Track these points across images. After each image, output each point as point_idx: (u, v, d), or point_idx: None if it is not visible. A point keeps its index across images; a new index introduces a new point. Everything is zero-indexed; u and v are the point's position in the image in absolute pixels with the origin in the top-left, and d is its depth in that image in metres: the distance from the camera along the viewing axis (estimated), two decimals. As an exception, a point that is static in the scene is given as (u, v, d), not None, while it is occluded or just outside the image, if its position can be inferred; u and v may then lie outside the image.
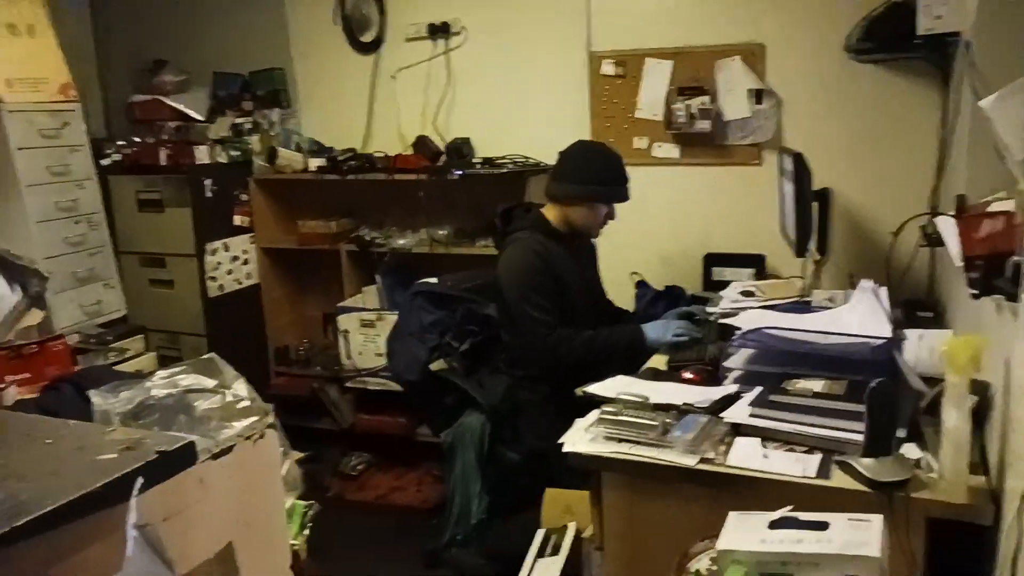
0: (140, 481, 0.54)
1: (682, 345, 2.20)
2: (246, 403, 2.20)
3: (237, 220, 3.55)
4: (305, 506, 2.04)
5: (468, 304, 2.67)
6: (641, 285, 2.97)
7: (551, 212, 2.43)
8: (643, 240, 3.13)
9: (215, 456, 0.61)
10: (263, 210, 3.61)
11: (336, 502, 3.15)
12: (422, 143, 3.33)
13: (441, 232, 3.27)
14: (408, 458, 3.41)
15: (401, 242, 3.31)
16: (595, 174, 2.38)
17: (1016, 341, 1.30)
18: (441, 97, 3.40)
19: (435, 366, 2.54)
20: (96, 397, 1.90)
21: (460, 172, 3.15)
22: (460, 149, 3.27)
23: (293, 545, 1.95)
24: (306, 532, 1.99)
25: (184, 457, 0.58)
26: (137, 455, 0.56)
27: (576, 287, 2.42)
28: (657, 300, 2.81)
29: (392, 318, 3.06)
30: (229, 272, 3.52)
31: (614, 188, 2.41)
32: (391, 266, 3.38)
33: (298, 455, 2.23)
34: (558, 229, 2.43)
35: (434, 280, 2.80)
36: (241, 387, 2.20)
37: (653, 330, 2.25)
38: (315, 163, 3.44)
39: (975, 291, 1.45)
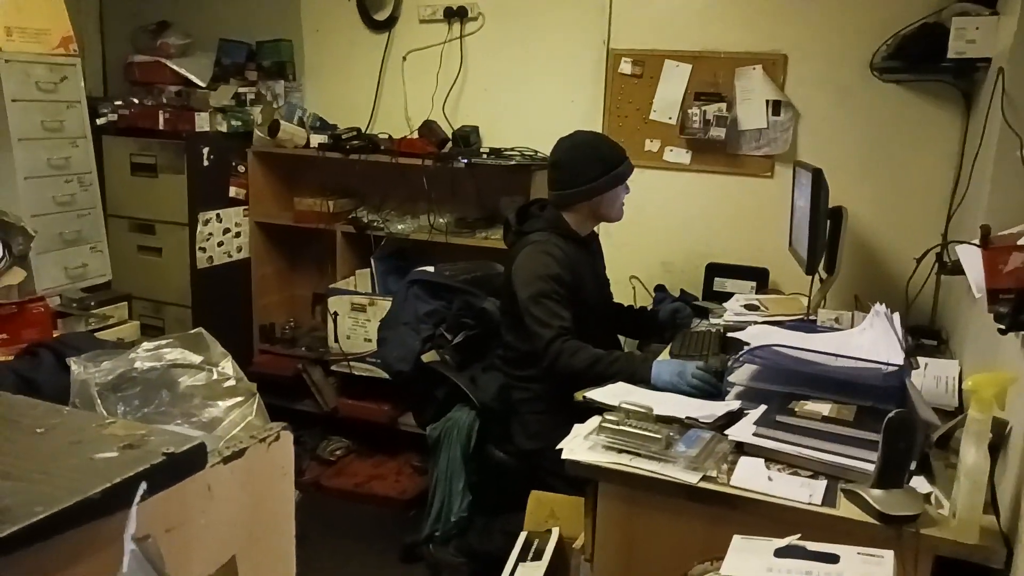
0: (143, 487, 0.47)
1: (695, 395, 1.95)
2: (232, 383, 2.13)
3: (232, 192, 3.47)
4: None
5: (465, 296, 2.61)
6: (659, 290, 2.93)
7: (570, 217, 2.37)
8: (646, 244, 3.08)
9: (226, 460, 0.54)
10: (260, 183, 3.53)
11: (312, 486, 3.10)
12: (429, 128, 3.25)
13: (442, 220, 3.20)
14: (389, 447, 3.35)
15: (400, 227, 3.24)
16: (604, 162, 2.32)
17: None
18: (452, 83, 3.33)
19: (427, 357, 2.48)
20: (76, 366, 1.82)
21: (466, 160, 3.08)
22: (468, 137, 3.20)
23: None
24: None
25: (193, 460, 0.52)
26: (140, 455, 0.49)
27: (591, 289, 2.37)
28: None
29: (384, 304, 3.00)
30: (220, 244, 3.43)
31: (625, 165, 2.36)
32: (387, 251, 3.31)
33: (281, 439, 2.17)
34: (577, 232, 2.37)
35: (431, 269, 2.74)
36: (228, 365, 2.13)
37: (666, 372, 2.00)
38: (317, 139, 3.36)
39: (1001, 326, 1.40)
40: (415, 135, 3.29)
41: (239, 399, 2.09)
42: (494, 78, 3.29)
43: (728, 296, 2.70)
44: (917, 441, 1.46)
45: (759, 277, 2.90)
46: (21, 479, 0.46)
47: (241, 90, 3.54)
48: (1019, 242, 1.48)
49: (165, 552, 0.49)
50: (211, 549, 0.54)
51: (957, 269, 1.84)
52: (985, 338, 1.74)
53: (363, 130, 3.42)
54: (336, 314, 3.23)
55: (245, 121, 3.48)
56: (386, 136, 3.33)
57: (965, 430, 1.33)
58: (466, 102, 3.34)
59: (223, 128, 3.42)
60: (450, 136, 3.25)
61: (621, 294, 2.82)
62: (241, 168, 3.48)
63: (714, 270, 2.97)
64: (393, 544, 2.70)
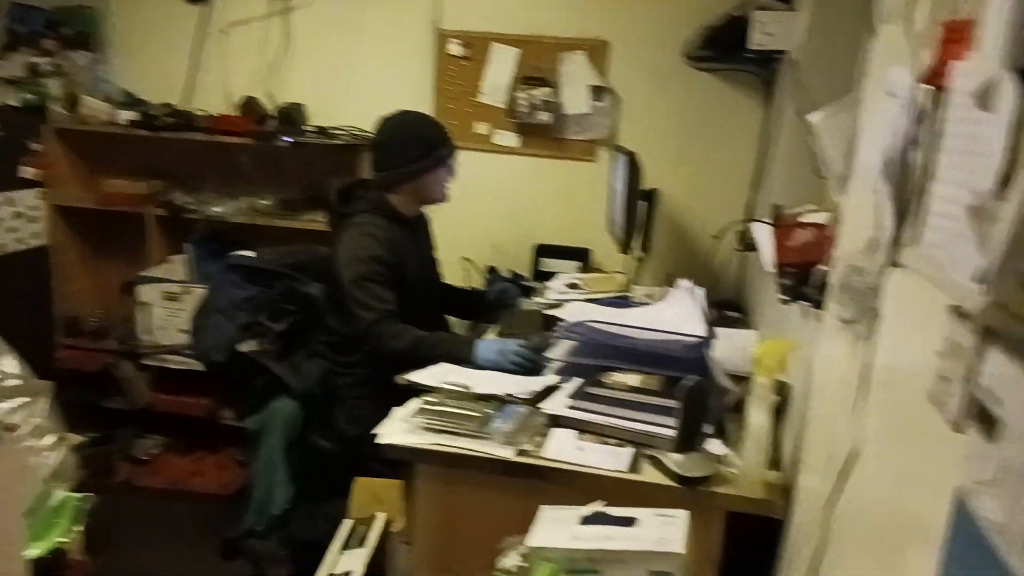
0: None
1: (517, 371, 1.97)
2: (17, 381, 1.93)
3: (27, 172, 3.14)
4: (79, 499, 1.81)
5: (288, 281, 2.50)
6: (491, 271, 2.93)
7: (393, 198, 2.32)
8: (476, 225, 3.09)
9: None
10: (60, 163, 3.21)
11: (125, 488, 2.89)
12: (250, 105, 3.09)
13: (264, 202, 3.06)
14: (210, 441, 3.17)
15: (218, 209, 3.06)
16: (426, 143, 2.30)
17: (818, 346, 1.36)
18: (275, 58, 3.18)
19: (245, 347, 2.36)
20: None
21: (290, 139, 2.95)
22: (291, 115, 3.06)
23: (62, 543, 1.73)
24: (78, 528, 1.77)
25: None
26: None
27: (416, 270, 2.33)
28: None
29: (199, 292, 2.82)
30: (13, 230, 3.10)
31: (447, 146, 2.34)
32: (204, 235, 3.12)
33: (77, 439, 1.98)
34: (402, 213, 2.33)
35: (252, 254, 2.60)
36: (9, 363, 1.93)
37: (488, 351, 2.02)
38: (126, 116, 3.11)
39: (785, 297, 1.51)
40: (236, 112, 3.12)
41: (26, 399, 1.90)
42: (321, 55, 3.17)
43: (554, 276, 2.76)
44: (711, 407, 1.54)
45: (582, 257, 2.99)
46: None
47: (36, 60, 3.20)
48: (802, 220, 1.59)
49: None
50: None
51: (754, 246, 1.97)
52: (775, 309, 1.86)
53: (177, 106, 3.20)
54: (147, 304, 3.01)
55: (41, 95, 3.15)
56: (203, 113, 3.13)
57: (751, 394, 1.41)
58: (291, 79, 3.20)
59: (14, 102, 3.09)
60: (273, 113, 3.10)
61: (454, 275, 2.82)
62: (36, 146, 3.16)
63: (541, 251, 3.04)
64: (214, 540, 2.56)
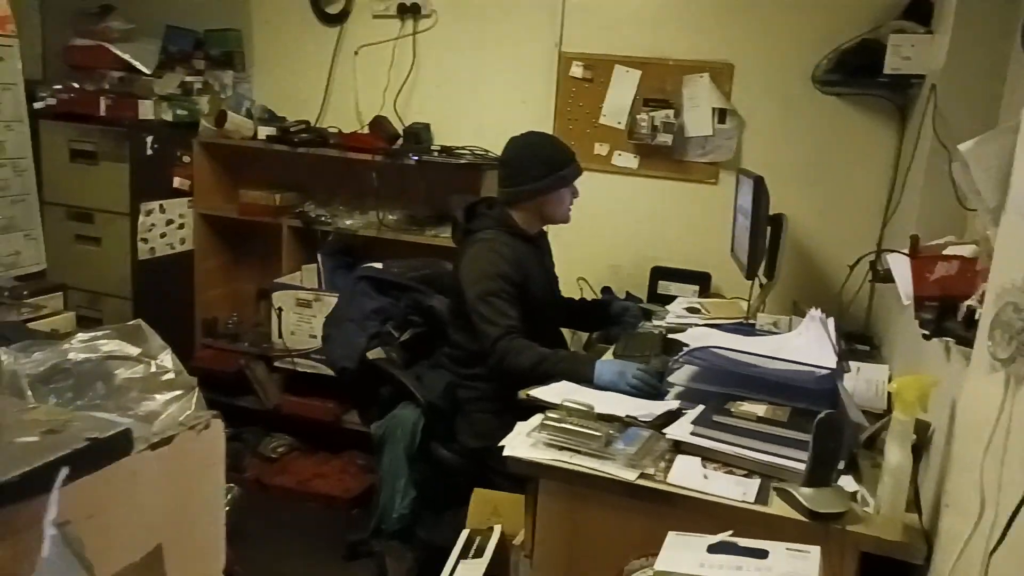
0: (64, 472, 0.47)
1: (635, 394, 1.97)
2: (171, 376, 2.09)
3: (177, 182, 3.40)
4: (226, 488, 1.94)
5: (413, 294, 2.60)
6: (606, 291, 2.96)
7: (517, 215, 2.38)
8: (593, 246, 3.11)
9: (153, 447, 0.54)
10: (205, 175, 3.46)
11: (253, 485, 3.05)
12: (379, 124, 3.23)
13: (391, 217, 3.19)
14: (333, 444, 3.31)
15: (348, 222, 3.21)
16: (550, 162, 2.35)
17: (964, 384, 1.31)
18: (404, 79, 3.31)
19: (372, 355, 2.47)
20: (4, 356, 1.77)
21: (417, 158, 3.07)
22: (419, 134, 3.19)
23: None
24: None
25: (118, 446, 0.51)
26: (61, 440, 0.48)
27: (538, 287, 2.38)
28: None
29: (329, 300, 2.97)
30: (163, 235, 3.36)
31: (571, 167, 2.39)
32: (334, 247, 3.28)
33: (220, 434, 2.13)
34: (524, 230, 2.39)
35: (379, 265, 2.72)
36: (167, 358, 2.09)
37: (608, 372, 2.02)
38: (265, 132, 3.32)
39: (926, 332, 1.46)
40: (365, 130, 3.27)
41: (178, 393, 2.05)
42: (446, 76, 3.29)
43: (672, 299, 2.75)
44: (845, 441, 1.51)
45: (702, 281, 2.96)
46: (-63, 461, 0.45)
47: (188, 79, 3.47)
48: (944, 252, 1.54)
49: (86, 538, 0.48)
50: (135, 537, 0.53)
51: (888, 277, 1.91)
52: (912, 343, 1.80)
53: (312, 124, 3.38)
54: (281, 309, 3.19)
55: (191, 110, 3.41)
56: (336, 130, 3.30)
57: (889, 431, 1.38)
58: (418, 99, 3.33)
59: (168, 117, 3.34)
60: (401, 133, 3.24)
61: (569, 294, 2.84)
62: (186, 158, 3.41)
63: (659, 273, 3.03)
64: (335, 542, 2.68)
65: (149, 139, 3.25)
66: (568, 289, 2.88)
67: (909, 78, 2.39)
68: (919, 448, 1.57)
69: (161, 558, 0.56)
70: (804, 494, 1.45)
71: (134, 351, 2.06)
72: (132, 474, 0.52)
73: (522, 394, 1.95)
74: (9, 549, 0.44)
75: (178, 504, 0.58)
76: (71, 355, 1.91)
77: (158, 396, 2.05)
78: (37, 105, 3.16)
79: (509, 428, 1.74)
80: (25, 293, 2.40)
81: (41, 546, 0.45)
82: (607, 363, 2.09)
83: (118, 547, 0.52)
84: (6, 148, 2.60)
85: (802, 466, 1.49)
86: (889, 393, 1.98)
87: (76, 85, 3.31)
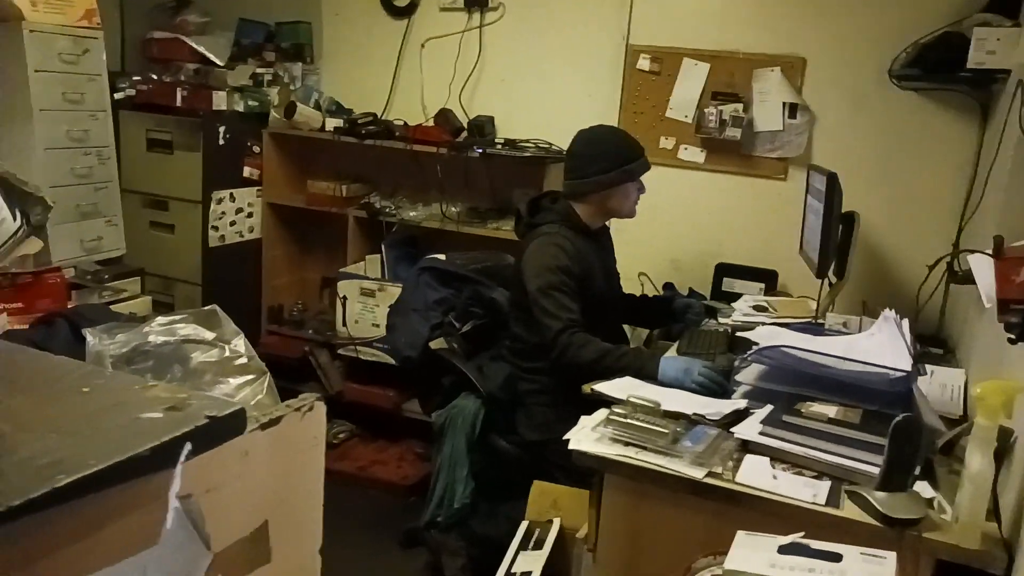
0: (188, 447, 0.49)
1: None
2: (244, 360, 2.15)
3: (247, 172, 3.49)
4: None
5: (475, 286, 2.62)
6: (668, 287, 2.94)
7: (581, 209, 2.38)
8: (656, 241, 3.09)
9: (263, 427, 0.56)
10: (274, 165, 3.54)
11: (316, 469, 3.11)
12: (444, 116, 3.26)
13: (454, 209, 3.21)
14: (392, 432, 3.37)
15: (412, 214, 3.25)
16: (617, 156, 2.33)
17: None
18: (469, 72, 3.33)
19: (435, 345, 2.50)
20: (91, 337, 1.84)
21: (481, 150, 3.09)
22: (483, 127, 3.20)
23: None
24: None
25: (233, 424, 0.53)
26: (184, 417, 0.51)
27: (600, 281, 2.38)
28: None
29: (393, 290, 3.01)
30: (232, 223, 3.45)
31: (639, 162, 2.37)
32: (398, 238, 3.33)
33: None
34: (587, 225, 2.38)
35: (442, 257, 2.75)
36: (240, 343, 2.14)
37: (672, 369, 2.00)
38: (333, 123, 3.37)
39: (1012, 335, 1.42)
40: (430, 123, 3.30)
41: (250, 377, 2.11)
42: (512, 69, 3.30)
43: (736, 296, 2.71)
44: (922, 446, 1.47)
45: (768, 279, 2.91)
46: (71, 434, 0.48)
47: (259, 70, 3.55)
48: (1031, 253, 1.49)
49: (204, 512, 0.50)
50: (246, 513, 0.56)
51: (968, 279, 1.85)
52: (992, 348, 1.75)
53: (379, 116, 3.43)
54: (345, 298, 3.25)
55: (262, 102, 3.49)
56: (401, 123, 3.34)
57: (971, 436, 1.34)
58: (483, 92, 3.35)
59: (240, 108, 3.43)
60: (465, 125, 3.26)
61: (630, 290, 2.83)
62: (256, 148, 3.49)
63: (723, 270, 2.99)
64: (393, 529, 2.72)
65: (221, 129, 3.34)
66: (629, 284, 2.87)
67: (993, 73, 2.30)
68: (1000, 455, 1.52)
69: (267, 535, 0.58)
70: (879, 498, 1.42)
71: (209, 335, 2.13)
72: (244, 452, 0.55)
73: (586, 388, 1.95)
74: (136, 520, 0.46)
75: (283, 483, 0.61)
76: (151, 338, 1.98)
77: (231, 380, 2.11)
78: (117, 96, 3.27)
79: (568, 422, 1.74)
80: (106, 277, 2.50)
81: (165, 517, 0.48)
82: (672, 360, 2.07)
83: (231, 522, 0.55)
84: (90, 137, 2.70)
85: (875, 469, 1.46)
86: (966, 399, 1.93)
87: (154, 76, 3.42)
